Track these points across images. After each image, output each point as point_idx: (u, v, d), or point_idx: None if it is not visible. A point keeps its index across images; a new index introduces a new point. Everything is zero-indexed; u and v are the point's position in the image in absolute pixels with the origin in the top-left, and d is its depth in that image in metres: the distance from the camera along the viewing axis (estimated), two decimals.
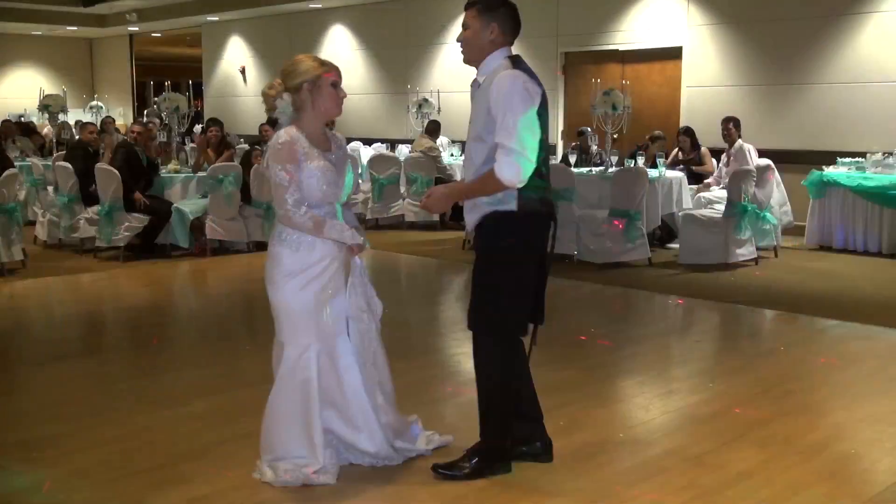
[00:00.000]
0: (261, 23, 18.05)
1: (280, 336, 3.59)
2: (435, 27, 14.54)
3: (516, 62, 3.51)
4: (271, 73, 17.86)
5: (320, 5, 16.23)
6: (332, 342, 3.55)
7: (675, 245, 9.50)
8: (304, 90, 3.48)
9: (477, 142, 3.49)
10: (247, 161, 9.60)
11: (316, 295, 3.51)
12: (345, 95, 3.57)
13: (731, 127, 9.67)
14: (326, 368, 3.54)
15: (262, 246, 9.65)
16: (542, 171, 3.49)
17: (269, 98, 3.52)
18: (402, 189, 11.34)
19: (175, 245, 9.32)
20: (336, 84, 3.53)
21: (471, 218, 3.56)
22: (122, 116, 20.67)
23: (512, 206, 3.46)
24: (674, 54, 11.92)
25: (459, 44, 3.61)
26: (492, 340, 3.55)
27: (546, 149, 3.51)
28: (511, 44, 3.57)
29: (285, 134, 3.44)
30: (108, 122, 13.95)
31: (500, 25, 3.53)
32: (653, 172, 9.26)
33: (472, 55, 3.57)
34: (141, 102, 22.49)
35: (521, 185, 3.40)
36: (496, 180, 3.39)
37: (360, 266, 3.60)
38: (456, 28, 13.99)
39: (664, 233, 9.91)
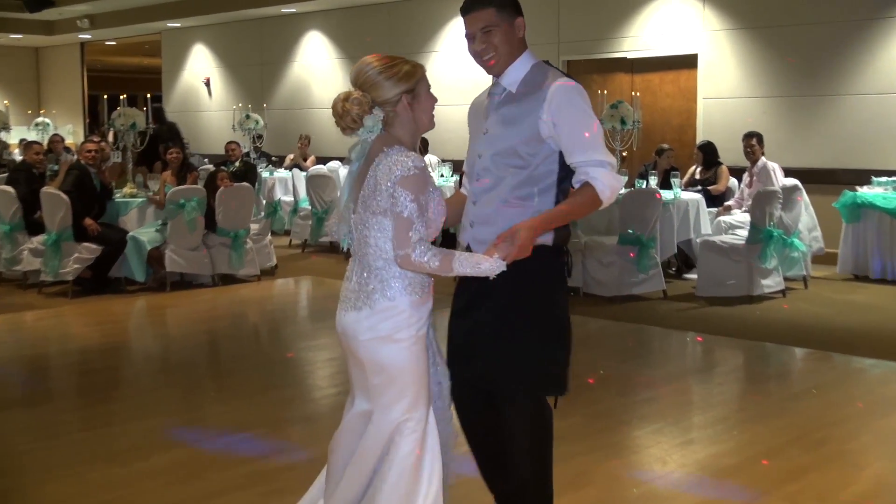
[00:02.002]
0: (227, 29, 18.14)
1: (390, 412, 3.20)
2: (423, 34, 14.65)
3: (553, 66, 3.47)
4: (239, 86, 17.93)
5: (294, 10, 16.33)
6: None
7: (692, 275, 9.52)
8: (404, 101, 3.19)
9: (508, 155, 3.35)
10: (212, 184, 9.61)
11: (426, 347, 3.28)
12: (436, 100, 3.31)
13: (753, 143, 9.74)
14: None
15: (228, 279, 9.64)
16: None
17: (349, 116, 3.16)
18: None
19: (130, 279, 9.30)
20: (430, 88, 3.27)
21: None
22: (72, 134, 20.69)
23: (549, 238, 3.32)
24: (688, 62, 12.02)
25: (483, 55, 3.40)
26: (536, 404, 3.35)
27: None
28: None
29: (414, 155, 3.13)
30: (55, 141, 13.98)
31: (523, 19, 3.43)
32: (667, 194, 9.30)
33: (506, 62, 3.40)
34: (93, 118, 22.54)
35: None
36: (595, 200, 3.26)
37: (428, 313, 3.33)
38: (421, 33, 14.09)
39: (680, 262, 9.93)
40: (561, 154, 3.32)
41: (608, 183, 3.26)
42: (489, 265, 3.11)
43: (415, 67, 3.21)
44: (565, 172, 3.34)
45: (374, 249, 3.18)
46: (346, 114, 3.15)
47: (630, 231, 8.60)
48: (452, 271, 3.11)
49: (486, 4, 3.38)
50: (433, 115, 3.26)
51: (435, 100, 3.27)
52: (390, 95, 3.15)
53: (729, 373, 6.65)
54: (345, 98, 3.15)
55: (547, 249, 3.34)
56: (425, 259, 3.07)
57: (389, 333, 3.15)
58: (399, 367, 3.16)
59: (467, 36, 3.42)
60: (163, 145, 12.06)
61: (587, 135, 3.27)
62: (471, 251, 3.39)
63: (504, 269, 3.12)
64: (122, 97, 10.93)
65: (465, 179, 3.63)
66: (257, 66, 17.60)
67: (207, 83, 18.67)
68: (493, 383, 3.35)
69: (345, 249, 3.33)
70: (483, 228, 3.38)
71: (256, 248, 9.89)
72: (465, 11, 3.42)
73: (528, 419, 3.34)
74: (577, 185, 3.31)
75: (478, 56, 3.41)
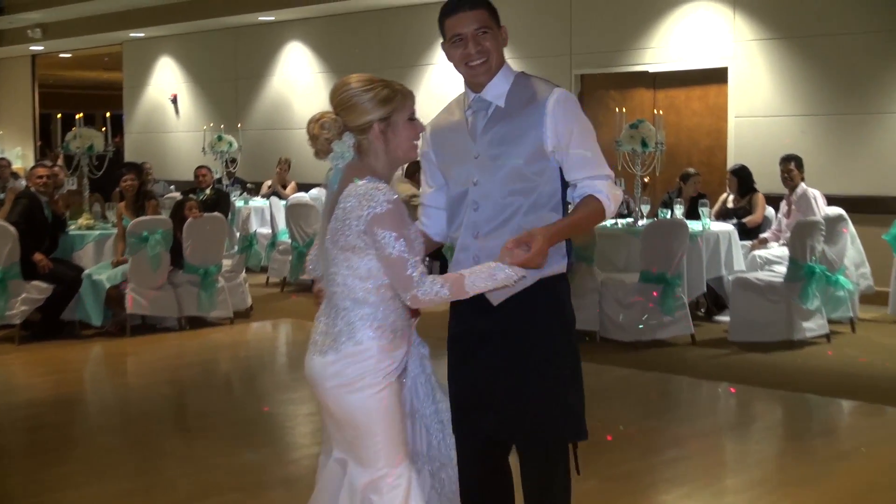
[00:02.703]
0: (197, 40, 18.24)
1: (364, 467, 3.26)
2: (419, 44, 14.74)
3: (534, 76, 3.57)
4: (210, 103, 18.01)
5: (272, 17, 16.43)
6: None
7: (724, 318, 9.51)
8: (375, 131, 3.28)
9: (514, 185, 3.41)
10: (178, 214, 9.61)
11: (400, 394, 3.33)
12: (423, 129, 3.39)
13: (791, 168, 9.77)
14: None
15: (196, 322, 9.63)
16: None
17: (319, 140, 3.27)
18: None
19: (85, 322, 9.28)
20: (413, 116, 3.35)
21: (506, 289, 3.35)
22: (21, 158, 20.75)
23: (562, 265, 3.45)
24: (718, 77, 12.09)
25: (474, 59, 3.44)
26: (563, 454, 3.44)
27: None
28: None
29: (384, 188, 3.20)
30: (2, 166, 14.02)
31: (506, 29, 3.55)
32: (695, 225, 9.32)
33: (495, 70, 3.48)
34: (45, 140, 22.61)
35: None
36: (601, 213, 3.41)
37: (418, 346, 3.43)
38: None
39: (711, 302, 9.93)
40: (560, 169, 3.43)
41: (612, 194, 3.41)
42: (506, 274, 3.18)
43: (394, 93, 3.27)
44: (565, 188, 3.46)
45: (341, 288, 3.25)
46: (316, 137, 3.25)
47: (653, 268, 8.60)
48: (468, 293, 3.19)
49: (478, 4, 3.44)
50: (415, 146, 3.33)
51: (419, 129, 3.33)
52: (361, 122, 3.24)
53: (767, 429, 6.62)
54: (317, 119, 3.25)
55: (558, 279, 3.43)
56: (434, 293, 3.15)
57: (355, 380, 3.21)
58: (368, 417, 3.22)
59: (454, 38, 3.44)
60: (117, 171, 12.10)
61: (591, 149, 3.42)
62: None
63: (524, 275, 3.20)
64: (77, 116, 10.96)
65: (423, 214, 3.67)
66: (231, 81, 17.68)
67: (174, 100, 18.74)
68: (515, 435, 3.42)
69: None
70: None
71: (229, 286, 9.88)
72: (452, 10, 3.44)
73: (559, 480, 3.43)
74: (577, 199, 3.42)
75: (467, 61, 3.44)
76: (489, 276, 3.17)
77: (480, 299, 3.38)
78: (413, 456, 3.36)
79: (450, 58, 3.50)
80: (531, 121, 3.40)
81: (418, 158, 3.53)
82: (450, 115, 3.62)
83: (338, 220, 3.22)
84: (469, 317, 3.49)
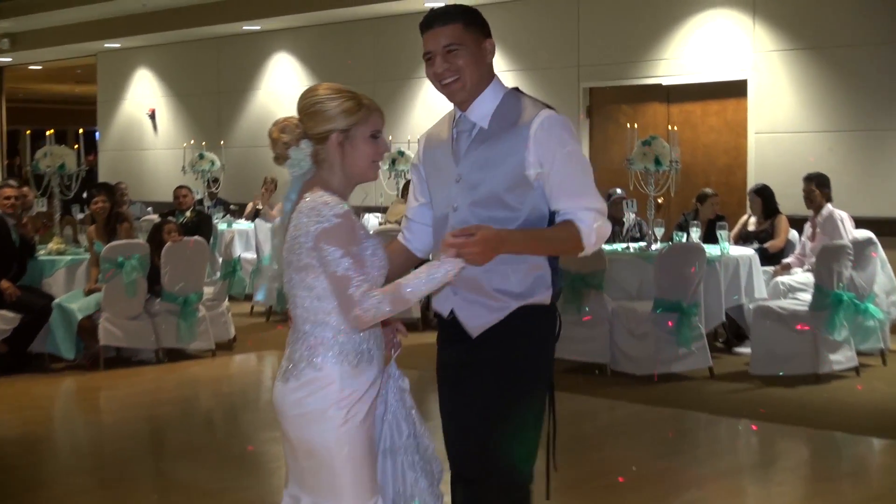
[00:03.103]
0: (177, 51, 18.29)
1: (331, 501, 3.31)
2: (415, 56, 14.76)
3: (527, 94, 3.57)
4: (191, 119, 18.05)
5: (258, 27, 16.50)
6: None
7: (745, 349, 9.50)
8: (333, 142, 3.33)
9: (490, 206, 3.42)
10: (156, 238, 9.61)
11: (371, 429, 3.36)
12: (387, 150, 3.42)
13: (815, 188, 9.76)
14: None
15: (175, 355, 9.61)
16: None
17: (278, 144, 3.34)
18: None
19: (56, 355, 9.25)
20: (378, 135, 3.38)
21: (481, 317, 3.43)
22: None
23: (546, 296, 3.45)
24: (737, 90, 12.12)
25: (444, 77, 3.48)
26: (504, 496, 3.45)
27: None
28: None
29: (334, 202, 3.24)
30: None
31: (491, 41, 3.53)
32: (713, 249, 9.32)
33: (471, 89, 3.48)
34: (12, 158, 22.63)
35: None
36: (576, 242, 3.40)
37: (397, 380, 3.46)
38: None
39: (730, 333, 9.91)
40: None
41: (595, 228, 3.39)
42: (444, 270, 3.20)
43: (359, 106, 3.33)
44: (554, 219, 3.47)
45: (300, 311, 3.30)
46: (275, 141, 3.34)
47: (668, 295, 8.60)
48: (409, 301, 3.21)
49: (451, 19, 3.46)
50: (374, 165, 3.37)
51: (380, 148, 3.36)
52: (319, 130, 3.31)
53: (791, 469, 6.60)
54: (279, 122, 3.35)
55: (543, 310, 3.45)
56: (373, 309, 3.17)
57: (316, 410, 3.24)
58: (329, 450, 3.24)
59: (426, 56, 3.50)
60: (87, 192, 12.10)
61: (578, 177, 3.41)
62: (457, 320, 3.48)
63: (460, 267, 3.20)
64: (48, 133, 10.99)
65: (406, 228, 3.72)
66: (213, 95, 17.72)
67: (152, 115, 18.78)
68: (466, 468, 3.47)
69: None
70: (471, 295, 3.44)
71: (210, 316, 9.87)
72: (425, 27, 3.49)
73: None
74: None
75: (437, 80, 3.49)
76: (428, 278, 3.20)
77: (459, 329, 3.46)
78: (394, 497, 3.38)
79: (427, 75, 3.56)
80: (513, 145, 3.41)
81: (376, 180, 3.50)
82: (440, 131, 3.64)
83: (290, 238, 3.28)
84: (449, 346, 3.55)
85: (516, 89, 3.58)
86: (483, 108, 3.49)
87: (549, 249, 3.43)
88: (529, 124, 3.40)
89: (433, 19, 3.47)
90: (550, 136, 3.39)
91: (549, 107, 3.49)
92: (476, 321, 3.43)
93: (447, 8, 3.48)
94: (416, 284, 3.20)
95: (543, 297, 3.43)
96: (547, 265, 3.45)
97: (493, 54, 3.52)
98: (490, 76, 3.52)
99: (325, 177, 3.34)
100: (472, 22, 3.47)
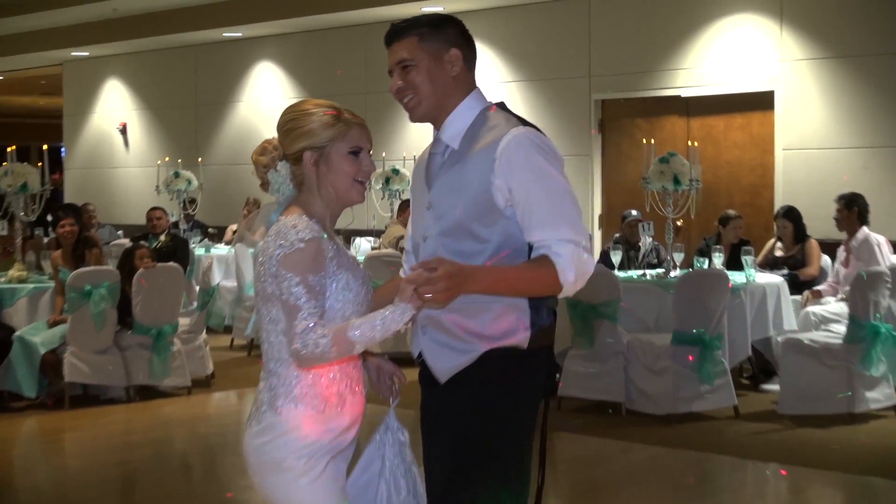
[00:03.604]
0: (151, 59, 18.32)
1: None
2: None
3: (508, 110, 3.52)
4: (166, 134, 18.07)
5: (240, 34, 16.54)
6: None
7: (773, 386, 9.49)
8: (307, 160, 3.32)
9: (459, 237, 3.39)
10: (127, 264, 9.61)
11: (341, 483, 3.33)
12: (372, 170, 3.38)
13: (849, 209, 9.77)
14: None
15: (148, 392, 9.59)
16: None
17: (258, 167, 3.37)
18: None
19: (16, 393, 9.24)
20: (358, 151, 3.35)
21: (449, 361, 3.38)
22: None
23: (522, 338, 3.36)
24: (762, 102, 12.14)
25: (401, 96, 3.48)
26: None
27: None
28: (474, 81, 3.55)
29: (303, 225, 3.24)
30: None
31: (462, 52, 3.48)
32: (737, 276, 9.32)
33: (430, 106, 3.46)
34: None
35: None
36: (553, 281, 3.26)
37: (396, 432, 3.44)
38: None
39: (757, 368, 9.90)
40: None
41: (574, 263, 3.26)
42: (398, 314, 3.12)
43: (336, 120, 3.32)
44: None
45: (267, 346, 3.31)
46: (256, 166, 3.38)
47: (688, 327, 8.59)
48: (355, 346, 3.14)
49: (406, 33, 3.46)
50: (356, 185, 3.34)
51: (362, 167, 3.33)
52: (293, 149, 3.33)
53: None
54: (259, 147, 3.38)
55: (520, 355, 3.35)
56: (311, 346, 3.12)
57: (273, 459, 3.24)
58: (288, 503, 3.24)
59: (389, 73, 3.52)
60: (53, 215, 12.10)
61: (552, 203, 3.31)
62: (425, 364, 3.44)
63: (412, 313, 3.12)
64: (9, 149, 10.99)
65: (404, 261, 3.71)
66: (190, 108, 17.75)
67: (123, 130, 18.79)
68: None
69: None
70: (439, 336, 3.41)
71: (186, 350, 9.86)
72: (385, 43, 3.51)
73: None
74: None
75: (397, 98, 3.51)
76: (382, 322, 3.13)
77: (429, 372, 3.44)
78: None
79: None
80: (480, 168, 3.36)
81: (361, 202, 3.47)
82: (425, 151, 3.65)
83: (258, 264, 3.30)
84: (424, 390, 3.52)
85: (500, 105, 3.54)
86: (454, 127, 3.47)
87: (521, 289, 3.31)
88: (496, 144, 3.35)
89: (390, 35, 3.50)
90: (517, 157, 3.32)
91: (527, 124, 3.43)
92: (443, 364, 3.39)
93: (405, 22, 3.49)
94: (365, 329, 3.12)
95: (518, 339, 3.35)
96: (525, 302, 3.36)
97: (458, 66, 3.47)
98: (463, 91, 3.49)
99: (306, 199, 3.35)
100: (431, 34, 3.45)
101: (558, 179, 3.34)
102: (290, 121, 3.34)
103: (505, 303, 3.33)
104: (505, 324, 3.32)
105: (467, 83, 3.51)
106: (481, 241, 3.35)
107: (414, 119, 3.51)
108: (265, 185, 3.37)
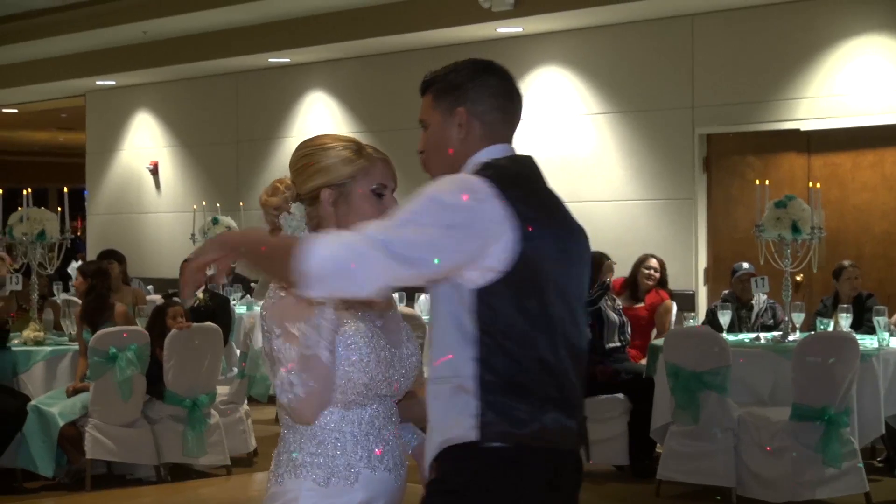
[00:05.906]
0: (186, 89, 18.45)
1: None
2: None
3: (498, 167, 3.42)
4: (203, 174, 18.18)
5: (287, 59, 16.61)
6: None
7: None
8: (325, 200, 3.39)
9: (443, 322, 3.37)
10: (159, 325, 9.67)
11: None
12: (394, 207, 3.42)
13: None
14: None
15: (181, 472, 9.64)
16: (547, 360, 3.26)
17: (268, 210, 3.44)
18: None
19: (31, 471, 9.31)
20: (381, 191, 3.42)
21: (425, 456, 3.37)
22: None
23: (468, 430, 3.20)
24: None
25: (420, 154, 3.58)
26: None
27: (563, 326, 3.33)
28: (508, 138, 3.53)
29: None
30: None
31: (472, 108, 3.48)
32: (867, 341, 9.24)
33: (438, 170, 3.47)
34: None
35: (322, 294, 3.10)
36: (285, 251, 3.06)
37: None
38: None
39: (892, 448, 9.80)
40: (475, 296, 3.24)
41: (323, 245, 3.01)
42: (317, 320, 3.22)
43: (357, 156, 3.40)
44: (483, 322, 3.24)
45: (279, 411, 3.41)
46: (265, 208, 3.45)
47: (810, 400, 8.53)
48: (319, 358, 3.19)
49: (426, 89, 3.61)
50: None
51: (387, 208, 3.38)
52: (308, 187, 3.41)
53: None
54: (269, 188, 3.46)
55: (473, 454, 3.22)
56: (287, 387, 3.21)
57: None
58: None
59: None
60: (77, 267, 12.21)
61: (401, 211, 3.18)
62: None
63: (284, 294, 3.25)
64: (25, 192, 11.12)
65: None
66: (231, 145, 17.87)
67: (154, 170, 18.92)
68: None
69: None
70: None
71: (225, 423, 9.89)
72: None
73: None
74: None
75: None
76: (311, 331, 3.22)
77: None
78: None
79: None
80: None
81: None
82: None
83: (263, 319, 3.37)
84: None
85: (509, 158, 3.48)
86: None
87: (263, 261, 3.16)
88: None
89: (420, 88, 3.64)
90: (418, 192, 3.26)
91: (485, 175, 3.32)
92: (423, 460, 3.42)
93: (427, 77, 3.62)
94: (311, 339, 3.23)
95: (464, 432, 3.19)
96: (473, 381, 3.21)
97: (464, 122, 3.47)
98: (470, 147, 3.48)
99: None
100: (443, 93, 3.54)
101: (435, 200, 3.19)
102: (305, 156, 3.42)
103: (453, 383, 3.23)
104: (452, 412, 3.25)
105: (483, 138, 3.50)
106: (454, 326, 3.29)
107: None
108: (276, 231, 3.41)
